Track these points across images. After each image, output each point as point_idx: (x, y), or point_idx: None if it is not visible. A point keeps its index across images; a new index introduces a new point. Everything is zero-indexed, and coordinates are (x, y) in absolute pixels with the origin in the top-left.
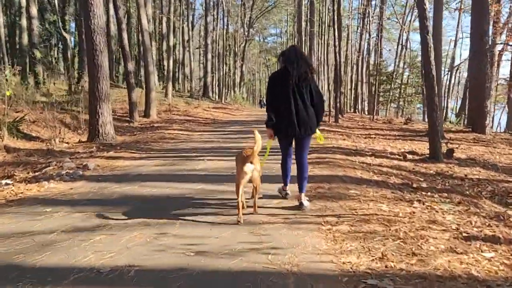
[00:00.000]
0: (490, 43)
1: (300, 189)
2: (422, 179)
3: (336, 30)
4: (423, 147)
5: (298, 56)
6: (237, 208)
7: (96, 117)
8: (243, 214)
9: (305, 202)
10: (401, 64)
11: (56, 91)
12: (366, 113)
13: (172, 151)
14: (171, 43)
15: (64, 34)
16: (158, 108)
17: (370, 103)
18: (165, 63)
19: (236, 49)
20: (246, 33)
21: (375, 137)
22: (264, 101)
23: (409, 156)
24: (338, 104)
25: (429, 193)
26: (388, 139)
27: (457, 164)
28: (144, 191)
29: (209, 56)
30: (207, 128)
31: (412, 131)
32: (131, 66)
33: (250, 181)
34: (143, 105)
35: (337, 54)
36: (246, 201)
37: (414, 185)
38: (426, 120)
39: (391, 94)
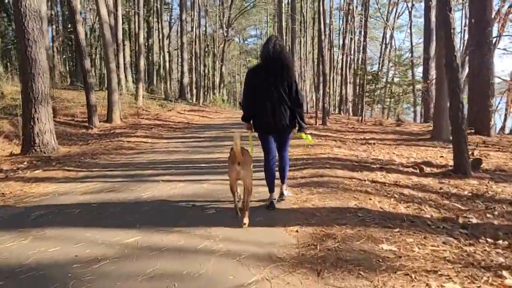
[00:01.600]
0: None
1: (282, 180)
2: (462, 207)
3: (321, 21)
4: (434, 154)
5: (275, 48)
6: (235, 209)
7: (31, 124)
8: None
9: (285, 192)
10: (386, 63)
11: (13, 93)
12: (351, 114)
13: (121, 167)
14: (141, 41)
15: None
16: (125, 111)
17: (355, 104)
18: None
19: (215, 50)
20: (225, 33)
21: (373, 143)
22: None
23: (427, 169)
24: (325, 105)
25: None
26: (388, 144)
27: (489, 178)
28: (30, 254)
29: (185, 55)
30: (177, 134)
31: (409, 133)
32: (88, 64)
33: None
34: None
35: (323, 49)
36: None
37: (460, 221)
38: (418, 121)
39: (377, 94)
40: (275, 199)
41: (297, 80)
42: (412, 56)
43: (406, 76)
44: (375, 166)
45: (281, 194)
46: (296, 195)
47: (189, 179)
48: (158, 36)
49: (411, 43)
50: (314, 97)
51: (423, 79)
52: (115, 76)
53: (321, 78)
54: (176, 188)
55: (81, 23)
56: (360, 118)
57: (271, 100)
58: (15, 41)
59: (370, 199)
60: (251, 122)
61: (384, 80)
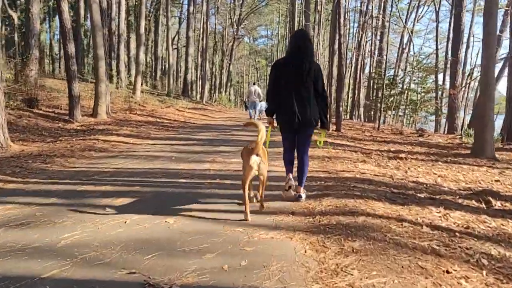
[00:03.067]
0: None
1: (300, 183)
2: None
3: (338, 17)
4: (486, 177)
5: (303, 42)
6: (244, 204)
7: None
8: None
9: (303, 195)
10: (404, 67)
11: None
12: (364, 120)
13: (70, 179)
14: (142, 31)
15: (10, 12)
16: (119, 105)
17: (367, 109)
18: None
19: (224, 47)
20: (234, 31)
21: (404, 158)
22: (247, 102)
23: (495, 202)
24: (340, 109)
25: None
26: (421, 160)
27: None
28: None
29: (191, 51)
30: (169, 134)
31: (436, 146)
32: (72, 48)
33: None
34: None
35: (341, 45)
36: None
37: None
38: (442, 131)
39: (392, 100)
40: (291, 179)
41: (323, 78)
42: (437, 61)
43: (426, 82)
44: (422, 196)
45: (299, 196)
46: (317, 255)
47: (153, 209)
48: (164, 30)
49: (437, 46)
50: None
51: (450, 85)
52: (103, 65)
53: (333, 80)
54: (124, 227)
55: (65, 1)
56: (377, 125)
57: (297, 95)
58: None
59: (446, 271)
60: (274, 117)
61: (401, 86)
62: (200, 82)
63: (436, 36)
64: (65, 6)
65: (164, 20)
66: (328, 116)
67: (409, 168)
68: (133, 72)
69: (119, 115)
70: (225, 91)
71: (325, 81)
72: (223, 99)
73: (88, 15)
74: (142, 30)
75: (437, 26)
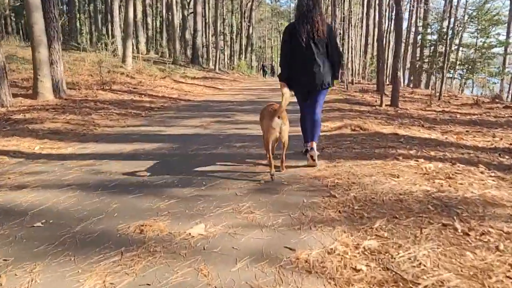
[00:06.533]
0: None
1: (313, 138)
2: None
3: None
4: None
5: (311, 7)
6: (269, 165)
7: None
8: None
9: (315, 148)
10: (460, 16)
11: None
12: (407, 85)
13: None
14: None
15: None
16: (94, 78)
17: (415, 72)
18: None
19: (243, 8)
20: None
21: None
22: (267, 65)
23: None
24: (398, 73)
25: None
26: None
27: None
28: None
29: (199, 9)
30: (128, 124)
31: None
32: None
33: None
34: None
35: None
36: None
37: None
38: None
39: (446, 60)
40: (310, 146)
41: (335, 38)
42: None
43: (488, 34)
44: None
45: (311, 149)
46: None
47: None
48: None
49: None
50: (360, 63)
51: None
52: (41, 20)
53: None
54: None
55: None
56: (436, 92)
57: (309, 58)
58: None
59: None
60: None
61: (456, 41)
62: (213, 47)
63: None
64: None
65: None
66: (340, 71)
67: None
68: (141, 39)
69: (82, 92)
70: (245, 57)
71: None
72: (242, 66)
73: None
74: None
75: None
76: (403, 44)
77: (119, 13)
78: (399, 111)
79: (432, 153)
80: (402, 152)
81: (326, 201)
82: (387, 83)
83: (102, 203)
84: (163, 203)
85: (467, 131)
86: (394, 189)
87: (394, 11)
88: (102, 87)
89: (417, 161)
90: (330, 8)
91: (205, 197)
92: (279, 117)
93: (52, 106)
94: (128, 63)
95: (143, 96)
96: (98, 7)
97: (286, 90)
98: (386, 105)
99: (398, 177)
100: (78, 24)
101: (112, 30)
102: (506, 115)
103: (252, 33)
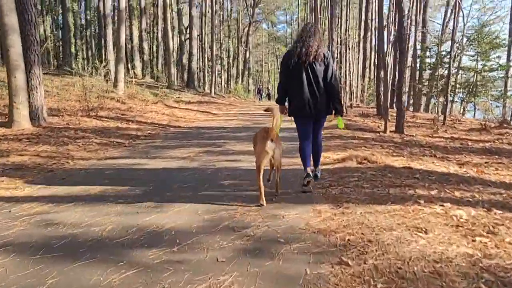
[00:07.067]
0: None
1: (316, 164)
2: None
3: None
4: None
5: (309, 33)
6: (259, 191)
7: None
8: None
9: (319, 173)
10: (458, 40)
11: None
12: (412, 110)
13: None
14: (123, 5)
15: None
16: (72, 106)
17: (416, 96)
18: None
19: (239, 33)
20: (250, 14)
21: None
22: (263, 89)
23: None
24: (402, 97)
25: None
26: None
27: None
28: None
29: (194, 33)
30: (106, 156)
31: None
32: None
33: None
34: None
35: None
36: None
37: None
38: None
39: (440, 83)
40: (312, 171)
41: (333, 65)
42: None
43: (488, 57)
44: None
45: (315, 176)
46: None
47: None
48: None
49: None
50: (358, 87)
51: None
52: (18, 43)
53: (400, 55)
54: None
55: None
56: (442, 118)
57: (307, 84)
58: None
59: None
60: (286, 105)
61: (455, 64)
62: (208, 72)
63: None
64: None
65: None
66: (341, 101)
67: None
68: (137, 63)
69: (65, 120)
70: (242, 81)
71: (362, 62)
72: (238, 90)
73: None
74: (123, 4)
75: None
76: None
77: (113, 38)
78: (405, 138)
79: (457, 194)
80: (422, 193)
81: (337, 273)
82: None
83: (35, 277)
84: (116, 276)
85: (486, 162)
86: (425, 252)
87: (392, 34)
88: (88, 114)
89: (443, 205)
90: (327, 32)
91: (175, 265)
92: (272, 140)
93: (27, 135)
94: (120, 87)
95: (130, 123)
96: (92, 32)
97: (276, 111)
98: (390, 131)
99: (426, 233)
100: (73, 49)
101: (105, 54)
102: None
103: (249, 57)
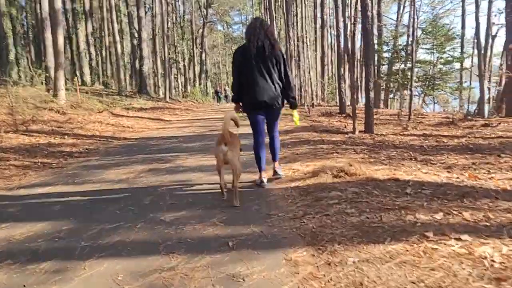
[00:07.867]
0: None
1: (274, 158)
2: None
3: None
4: None
5: (259, 28)
6: (220, 190)
7: None
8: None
9: (279, 171)
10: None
11: None
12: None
13: None
14: (58, 5)
15: None
16: (19, 117)
17: (376, 91)
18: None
19: (194, 35)
20: (204, 14)
21: None
22: (221, 91)
23: None
24: (370, 94)
25: None
26: None
27: None
28: None
29: (144, 35)
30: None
31: None
32: None
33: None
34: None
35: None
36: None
37: None
38: (486, 114)
39: (398, 77)
40: (265, 177)
41: (285, 60)
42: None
43: (443, 50)
44: None
45: (275, 172)
46: None
47: None
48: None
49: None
50: (318, 85)
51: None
52: None
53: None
54: None
55: None
56: (407, 113)
57: (260, 77)
58: None
59: None
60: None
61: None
62: (161, 76)
63: None
64: None
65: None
66: (295, 95)
67: None
68: (86, 70)
69: None
70: (199, 84)
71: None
72: (196, 93)
73: None
74: (58, 4)
75: None
76: (358, 63)
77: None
78: (376, 139)
79: (467, 216)
80: (425, 219)
81: None
82: (348, 104)
83: None
84: None
85: (473, 163)
86: None
87: (349, 29)
88: (16, 129)
89: (459, 239)
90: (283, 31)
91: None
92: (225, 144)
93: None
94: (61, 96)
95: (66, 137)
96: (31, 37)
97: (227, 116)
98: (360, 131)
99: None
100: (12, 57)
101: (45, 61)
102: (493, 135)
103: (205, 59)
